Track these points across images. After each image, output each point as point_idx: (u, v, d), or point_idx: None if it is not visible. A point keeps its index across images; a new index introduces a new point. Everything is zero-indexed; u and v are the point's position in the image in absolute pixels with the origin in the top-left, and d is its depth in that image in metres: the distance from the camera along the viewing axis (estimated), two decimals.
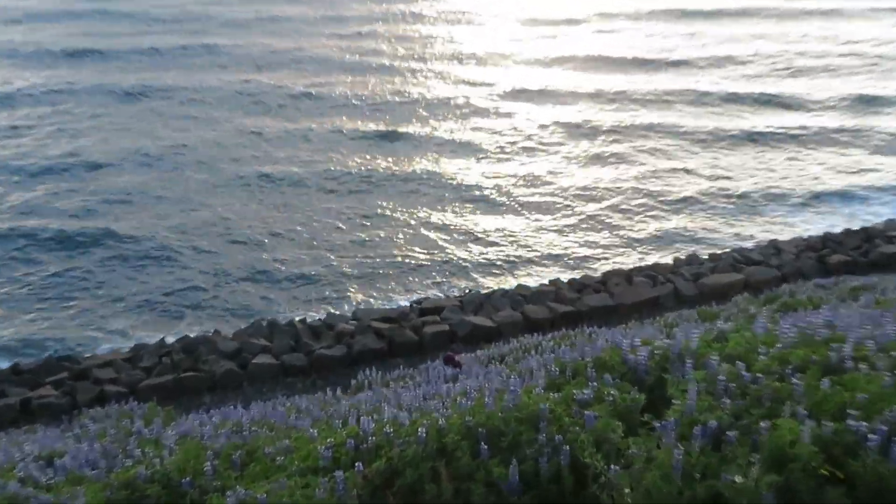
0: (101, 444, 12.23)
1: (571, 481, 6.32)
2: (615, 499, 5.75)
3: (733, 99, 59.61)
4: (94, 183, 42.44)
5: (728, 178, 44.39)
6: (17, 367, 24.78)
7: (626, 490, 5.71)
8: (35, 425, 19.85)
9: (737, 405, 6.66)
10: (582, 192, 42.50)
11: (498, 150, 49.32)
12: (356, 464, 7.09)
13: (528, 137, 51.62)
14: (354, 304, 30.98)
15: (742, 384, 7.03)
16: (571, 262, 34.68)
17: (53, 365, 24.55)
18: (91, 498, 8.35)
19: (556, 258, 35.03)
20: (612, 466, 5.94)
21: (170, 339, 26.85)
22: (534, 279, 32.32)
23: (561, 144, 50.22)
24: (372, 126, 51.97)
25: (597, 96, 60.89)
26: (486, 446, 6.78)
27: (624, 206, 40.61)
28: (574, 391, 7.51)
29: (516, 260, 34.95)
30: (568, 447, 6.45)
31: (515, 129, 53.22)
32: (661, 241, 36.89)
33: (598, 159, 47.78)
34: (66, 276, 33.20)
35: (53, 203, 39.98)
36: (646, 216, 39.52)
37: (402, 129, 51.75)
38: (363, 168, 44.95)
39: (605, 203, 41.03)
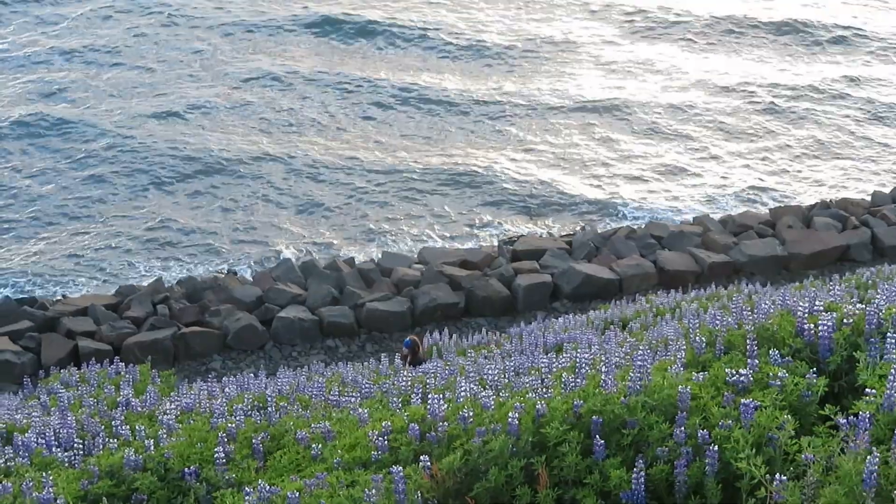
0: (75, 417, 12.58)
1: (719, 494, 6.35)
2: None
3: None
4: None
5: None
6: None
7: None
8: None
9: None
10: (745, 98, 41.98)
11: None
12: (421, 458, 7.21)
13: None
14: (420, 241, 30.92)
15: None
16: (726, 192, 34.27)
17: (12, 310, 25.15)
18: (63, 488, 8.61)
19: (701, 186, 34.60)
20: (778, 476, 5.94)
21: (168, 281, 27.27)
22: (672, 213, 32.07)
23: None
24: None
25: None
26: (601, 441, 6.83)
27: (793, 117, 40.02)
28: (726, 371, 7.50)
29: (646, 182, 34.57)
30: (716, 447, 6.47)
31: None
32: (851, 165, 36.33)
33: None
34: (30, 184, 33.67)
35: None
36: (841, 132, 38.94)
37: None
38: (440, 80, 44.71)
39: (774, 120, 40.48)
